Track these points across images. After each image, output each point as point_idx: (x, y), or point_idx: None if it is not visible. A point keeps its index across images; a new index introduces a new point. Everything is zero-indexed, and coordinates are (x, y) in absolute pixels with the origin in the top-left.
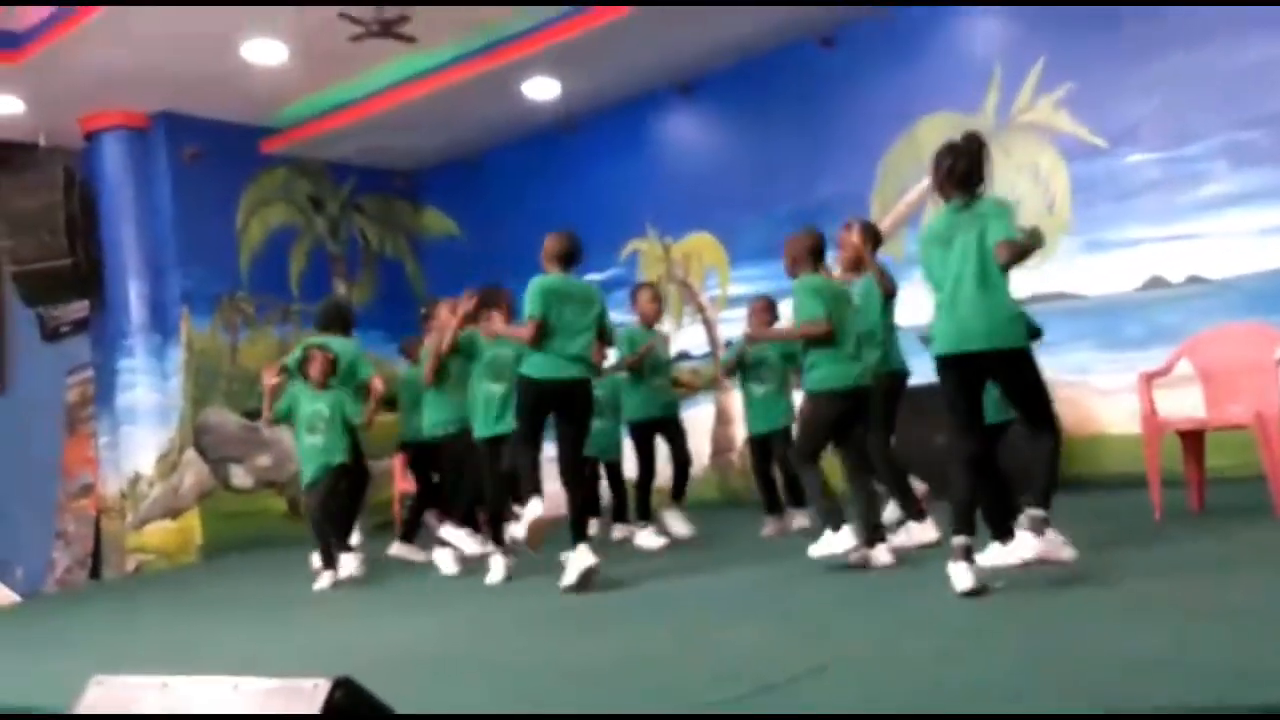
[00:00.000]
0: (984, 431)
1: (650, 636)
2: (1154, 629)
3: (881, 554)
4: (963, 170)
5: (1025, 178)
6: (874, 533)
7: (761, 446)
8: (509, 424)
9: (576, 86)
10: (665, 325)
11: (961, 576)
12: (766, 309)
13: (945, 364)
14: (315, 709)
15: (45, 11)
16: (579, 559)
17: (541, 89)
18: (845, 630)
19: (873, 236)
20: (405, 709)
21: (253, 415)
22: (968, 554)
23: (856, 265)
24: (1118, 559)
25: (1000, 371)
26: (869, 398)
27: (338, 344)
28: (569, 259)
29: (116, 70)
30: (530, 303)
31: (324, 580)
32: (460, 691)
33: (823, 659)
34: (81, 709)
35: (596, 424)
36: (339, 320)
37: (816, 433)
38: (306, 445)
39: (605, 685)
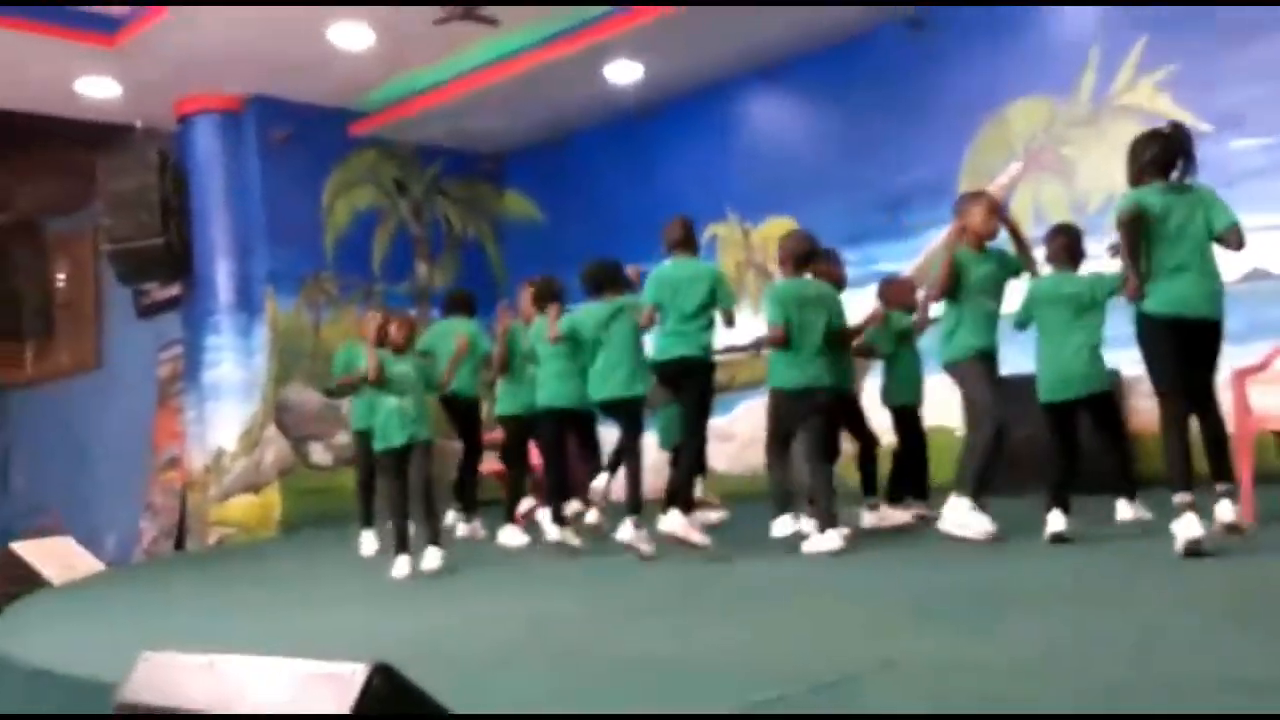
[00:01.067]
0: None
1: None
2: (1247, 643)
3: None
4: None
5: (1122, 163)
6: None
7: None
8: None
9: (659, 70)
10: (745, 312)
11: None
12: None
13: (1167, 324)
14: (353, 694)
15: None
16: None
17: (624, 72)
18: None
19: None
20: (456, 696)
21: (335, 393)
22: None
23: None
24: (1206, 565)
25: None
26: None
27: (463, 325)
28: (807, 260)
29: (208, 54)
30: (771, 309)
31: (401, 568)
32: (509, 681)
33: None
34: (130, 686)
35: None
36: (465, 304)
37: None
38: (392, 408)
39: (649, 680)
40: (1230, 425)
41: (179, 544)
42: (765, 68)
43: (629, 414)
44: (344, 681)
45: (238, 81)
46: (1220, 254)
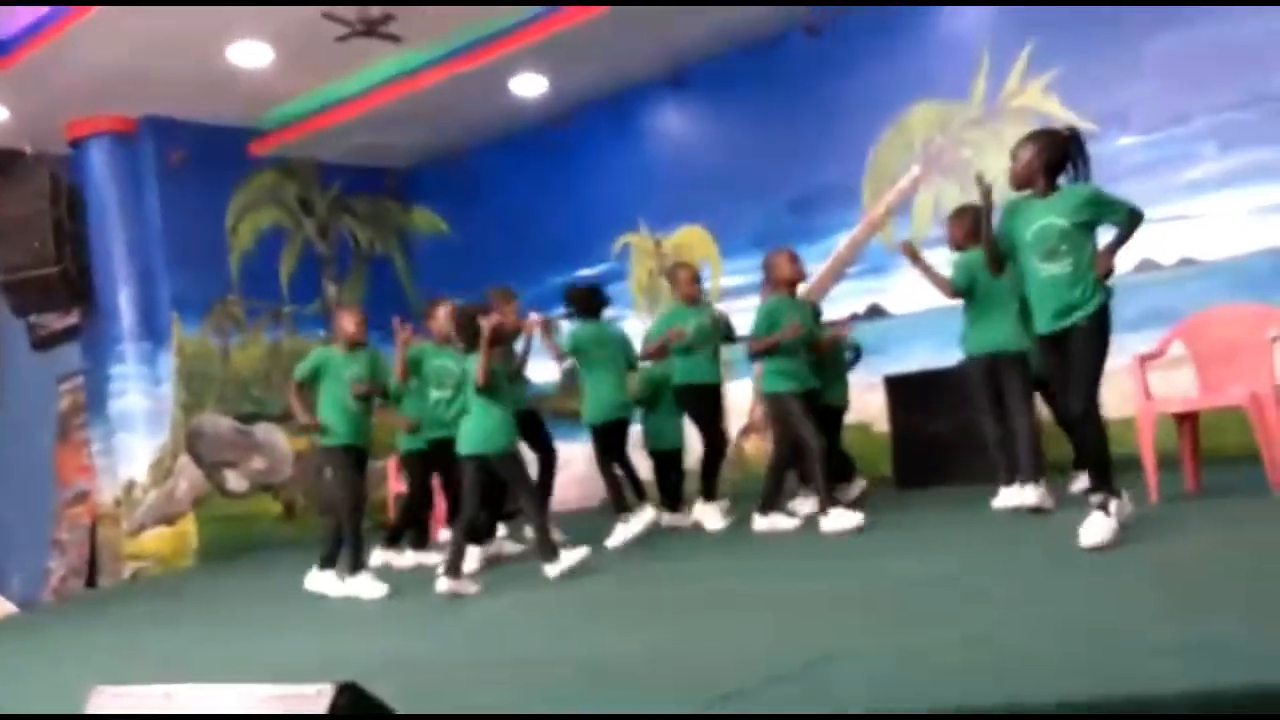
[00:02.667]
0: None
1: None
2: (1162, 610)
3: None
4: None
5: None
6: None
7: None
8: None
9: (564, 82)
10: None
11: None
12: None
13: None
14: (319, 714)
15: (27, 19)
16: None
17: (529, 85)
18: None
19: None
20: (413, 711)
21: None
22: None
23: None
24: (1121, 542)
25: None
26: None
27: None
28: (796, 283)
29: (101, 76)
30: (765, 321)
31: (570, 559)
32: (469, 690)
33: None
34: None
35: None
36: (594, 304)
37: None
38: (503, 411)
39: (614, 685)
40: (1132, 409)
41: (90, 581)
42: (671, 76)
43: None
44: (310, 703)
45: (131, 103)
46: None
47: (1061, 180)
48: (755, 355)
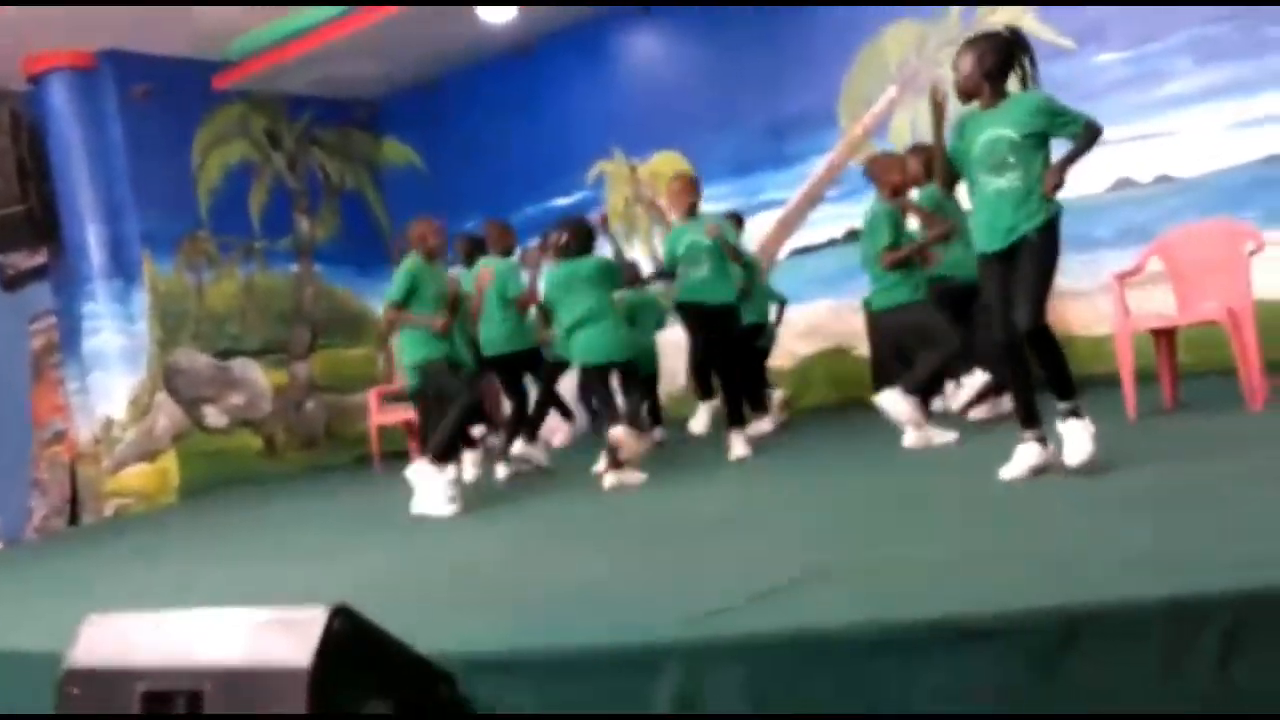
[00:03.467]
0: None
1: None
2: (1138, 521)
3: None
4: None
5: None
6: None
7: None
8: None
9: (533, 7)
10: (635, 247)
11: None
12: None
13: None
14: (314, 638)
15: None
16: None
17: (498, 11)
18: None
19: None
20: (404, 634)
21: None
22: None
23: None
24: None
25: None
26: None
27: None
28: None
29: (56, 8)
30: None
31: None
32: (453, 614)
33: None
34: (78, 650)
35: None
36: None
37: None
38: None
39: (600, 607)
40: (1110, 326)
41: (73, 519)
42: (641, 1)
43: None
44: (303, 626)
45: (90, 36)
46: (1088, 163)
47: (1012, 88)
48: (894, 265)
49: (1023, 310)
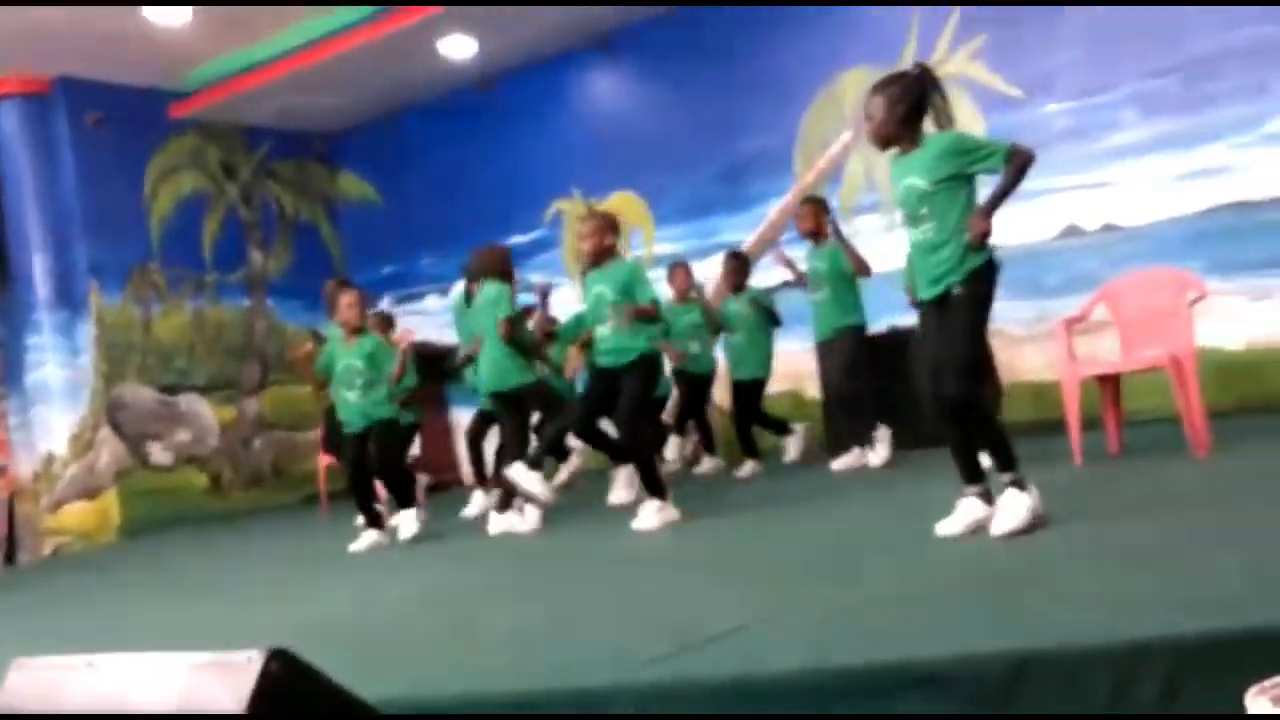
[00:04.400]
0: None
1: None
2: (1082, 568)
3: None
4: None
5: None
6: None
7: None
8: None
9: (494, 45)
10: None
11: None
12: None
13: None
14: (250, 681)
15: None
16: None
17: (458, 47)
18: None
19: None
20: (343, 679)
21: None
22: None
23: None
24: (1042, 502)
25: None
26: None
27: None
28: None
29: (9, 33)
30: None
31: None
32: (403, 662)
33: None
34: (3, 694)
35: None
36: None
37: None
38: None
39: (542, 651)
40: (1057, 372)
41: (9, 557)
42: (600, 41)
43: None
44: (238, 670)
45: (44, 62)
46: (1036, 211)
47: (929, 128)
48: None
49: (949, 381)
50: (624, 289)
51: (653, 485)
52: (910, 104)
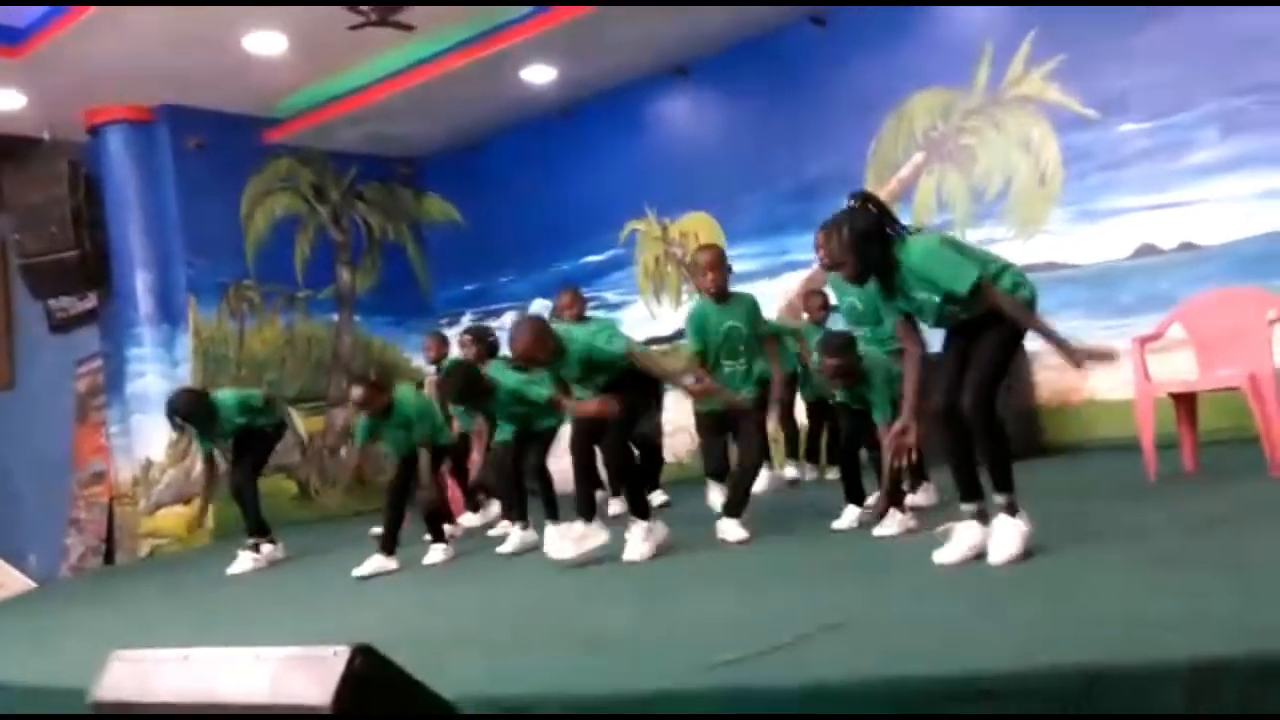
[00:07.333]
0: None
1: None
2: (1161, 586)
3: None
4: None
5: (1017, 150)
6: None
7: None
8: None
9: (573, 72)
10: (664, 305)
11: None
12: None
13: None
14: (335, 676)
15: (46, 6)
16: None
17: (539, 74)
18: (851, 596)
19: None
20: (427, 677)
21: None
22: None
23: None
24: (1117, 520)
25: None
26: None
27: None
28: None
29: (118, 64)
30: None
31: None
32: (477, 658)
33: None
34: (104, 685)
35: None
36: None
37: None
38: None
39: (615, 654)
40: (1132, 390)
41: (109, 558)
42: (676, 66)
43: None
44: (325, 664)
45: (148, 91)
46: (1110, 230)
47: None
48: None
49: (969, 390)
50: (751, 320)
51: (740, 501)
52: (869, 242)
